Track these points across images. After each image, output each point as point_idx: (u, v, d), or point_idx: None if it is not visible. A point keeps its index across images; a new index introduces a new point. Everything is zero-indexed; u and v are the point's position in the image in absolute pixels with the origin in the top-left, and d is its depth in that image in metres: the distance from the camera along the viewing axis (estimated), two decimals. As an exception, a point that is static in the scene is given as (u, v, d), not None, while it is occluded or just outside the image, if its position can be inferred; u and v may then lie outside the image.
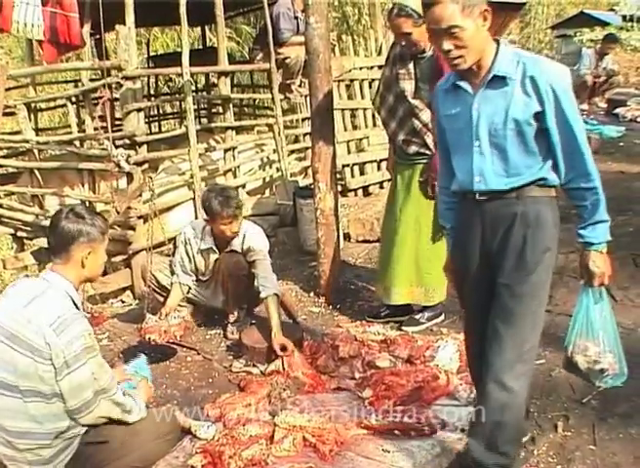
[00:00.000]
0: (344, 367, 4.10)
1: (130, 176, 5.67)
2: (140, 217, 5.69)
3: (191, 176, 6.19)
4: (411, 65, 4.25)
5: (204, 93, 10.78)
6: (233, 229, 4.51)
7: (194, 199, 6.20)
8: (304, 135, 7.77)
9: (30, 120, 6.78)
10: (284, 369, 4.03)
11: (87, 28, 6.21)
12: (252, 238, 4.62)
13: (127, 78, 5.66)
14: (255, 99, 10.22)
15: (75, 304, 2.86)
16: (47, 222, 6.29)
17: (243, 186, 6.88)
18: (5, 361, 2.72)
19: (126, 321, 5.16)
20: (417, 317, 4.61)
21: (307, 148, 7.41)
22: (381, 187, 7.88)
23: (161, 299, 4.85)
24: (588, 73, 11.69)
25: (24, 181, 6.65)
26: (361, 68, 8.20)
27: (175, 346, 4.56)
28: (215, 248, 4.69)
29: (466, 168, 2.73)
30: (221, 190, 4.54)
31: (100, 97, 5.64)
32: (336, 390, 3.88)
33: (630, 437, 3.25)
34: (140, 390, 3.22)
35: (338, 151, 5.64)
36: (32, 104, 6.92)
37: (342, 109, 7.90)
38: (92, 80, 6.58)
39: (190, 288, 4.87)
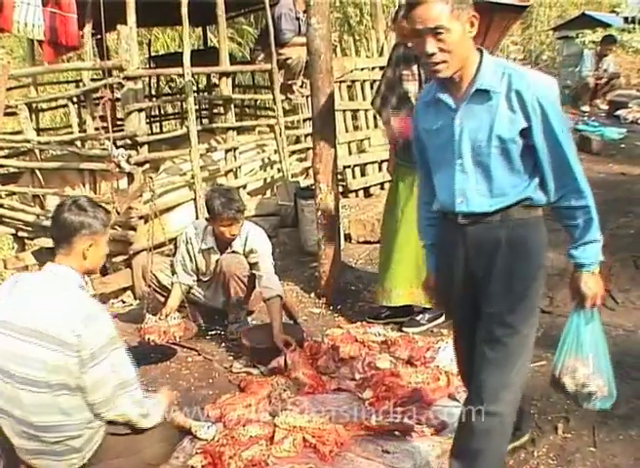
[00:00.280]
0: (345, 367, 4.10)
1: (131, 177, 5.67)
2: (140, 218, 5.69)
3: (192, 177, 6.19)
4: (415, 67, 4.25)
5: (205, 93, 10.79)
6: (232, 232, 4.50)
7: (195, 199, 6.20)
8: (306, 135, 7.76)
9: (32, 120, 6.79)
10: (286, 365, 4.04)
11: (88, 28, 6.21)
12: (254, 240, 4.62)
13: (128, 78, 5.66)
14: (256, 100, 10.22)
15: None
16: (48, 222, 6.30)
17: (244, 187, 6.88)
18: (30, 358, 2.72)
19: (126, 321, 5.16)
20: (417, 318, 4.62)
21: (309, 149, 7.41)
22: (382, 188, 7.87)
23: (162, 299, 4.85)
24: (590, 75, 11.68)
25: (25, 181, 6.65)
26: (362, 69, 8.20)
27: (175, 346, 4.56)
28: (216, 248, 4.69)
29: (448, 187, 2.58)
30: (225, 192, 4.54)
31: (102, 98, 5.64)
32: (336, 391, 3.88)
33: (630, 439, 3.25)
34: (163, 396, 3.19)
35: (339, 152, 5.65)
36: (34, 104, 6.93)
37: (344, 110, 7.90)
38: (93, 80, 6.57)
39: (191, 287, 4.87)
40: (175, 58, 7.00)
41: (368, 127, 8.29)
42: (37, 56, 7.11)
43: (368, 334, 4.45)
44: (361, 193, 7.97)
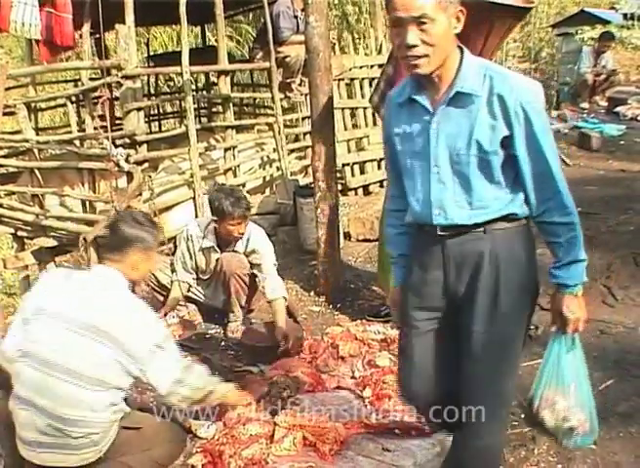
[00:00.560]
0: (345, 366, 4.10)
1: (130, 176, 5.67)
2: (140, 217, 5.69)
3: (191, 176, 6.19)
4: None
5: (204, 92, 10.78)
6: (241, 230, 4.52)
7: (194, 198, 6.20)
8: (305, 134, 7.76)
9: (30, 120, 6.78)
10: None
11: (87, 27, 6.21)
12: (256, 240, 4.63)
13: (127, 77, 5.66)
14: (255, 98, 10.21)
15: None
16: (47, 222, 6.31)
17: (243, 185, 6.88)
18: (82, 351, 2.81)
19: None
20: (417, 316, 4.61)
21: (307, 147, 7.41)
22: (382, 186, 7.87)
23: (161, 298, 4.86)
24: (589, 71, 11.68)
25: (25, 181, 6.64)
26: (361, 67, 8.19)
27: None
28: (216, 247, 4.69)
29: (423, 198, 2.36)
30: (231, 191, 4.56)
31: (100, 97, 5.64)
32: (336, 389, 3.88)
33: (630, 436, 3.25)
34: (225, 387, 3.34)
35: (338, 150, 5.64)
36: (32, 104, 6.92)
37: (343, 108, 7.89)
38: (92, 79, 6.57)
39: (190, 285, 4.88)
40: (173, 57, 7.01)
41: (367, 125, 8.28)
42: (35, 55, 7.11)
43: (367, 332, 4.44)
44: (360, 191, 7.96)
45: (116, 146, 5.60)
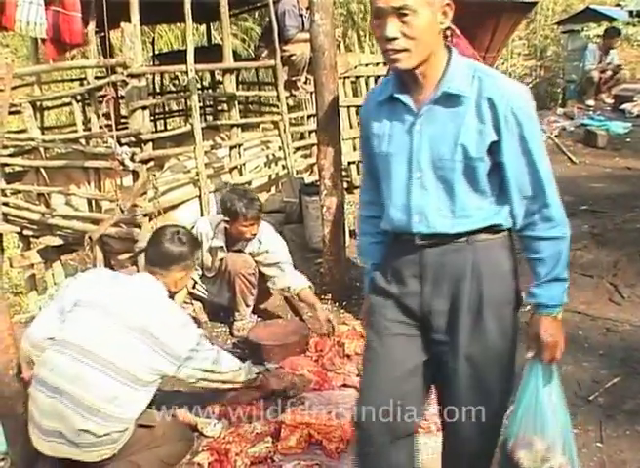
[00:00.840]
0: (351, 364, 4.10)
1: (135, 174, 5.67)
2: (145, 215, 5.69)
3: (197, 174, 6.18)
4: None
5: (209, 90, 10.77)
6: (253, 231, 4.55)
7: (200, 197, 6.19)
8: (310, 132, 7.75)
9: (36, 118, 6.78)
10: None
11: (92, 26, 6.20)
12: (269, 240, 4.67)
13: (132, 76, 5.65)
14: (260, 97, 10.20)
15: None
16: (53, 221, 6.32)
17: (249, 183, 6.87)
18: (120, 346, 2.90)
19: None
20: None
21: (313, 145, 7.39)
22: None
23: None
24: (594, 69, 11.65)
25: (30, 180, 6.65)
26: (367, 65, 8.19)
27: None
28: (225, 246, 4.71)
29: (402, 204, 2.19)
30: (244, 192, 4.63)
31: (106, 96, 5.64)
32: (342, 387, 3.88)
33: (637, 434, 3.25)
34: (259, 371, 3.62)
35: (343, 148, 5.64)
36: (38, 103, 6.92)
37: (348, 106, 7.88)
38: (97, 78, 6.56)
39: (196, 282, 4.89)
40: (179, 56, 7.00)
41: (372, 123, 8.26)
42: (41, 54, 7.11)
43: (373, 331, 4.44)
44: (366, 189, 7.94)
45: (121, 145, 5.60)
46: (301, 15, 7.88)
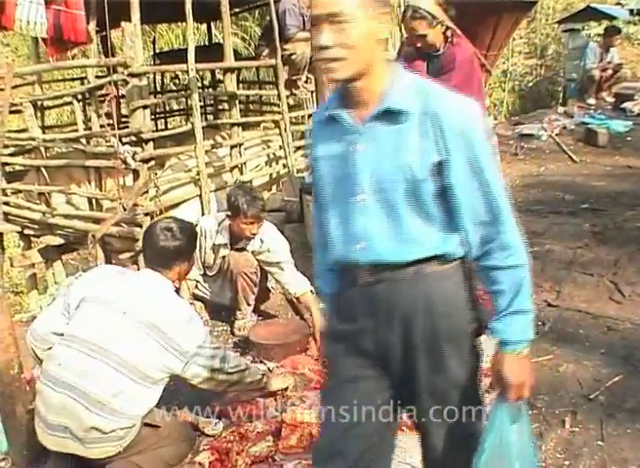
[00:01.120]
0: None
1: (136, 174, 5.68)
2: (146, 214, 5.70)
3: (198, 173, 6.18)
4: (424, 63, 4.23)
5: (210, 89, 10.77)
6: (253, 230, 4.54)
7: (201, 196, 6.20)
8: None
9: (37, 118, 6.79)
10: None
11: (92, 25, 6.20)
12: (271, 240, 4.66)
13: (133, 75, 5.65)
14: (261, 96, 10.21)
15: None
16: (54, 220, 6.32)
17: (250, 183, 6.88)
18: (130, 341, 2.91)
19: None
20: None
21: (314, 145, 7.39)
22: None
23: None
24: (595, 67, 11.64)
25: (31, 179, 6.65)
26: (367, 64, 8.18)
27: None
28: (228, 244, 4.71)
29: (345, 230, 2.01)
30: (250, 190, 4.64)
31: (106, 95, 5.65)
32: (343, 386, 3.87)
33: (638, 432, 3.24)
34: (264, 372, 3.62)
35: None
36: (38, 102, 6.93)
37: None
38: (98, 77, 6.57)
39: (198, 282, 4.89)
40: (179, 55, 7.00)
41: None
42: (42, 53, 7.11)
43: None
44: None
45: (122, 144, 5.61)
46: (302, 14, 7.88)
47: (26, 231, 6.89)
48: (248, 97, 9.95)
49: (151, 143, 5.86)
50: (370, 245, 1.97)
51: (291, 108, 7.81)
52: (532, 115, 11.71)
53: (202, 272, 4.87)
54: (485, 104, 4.35)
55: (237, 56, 7.98)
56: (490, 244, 1.95)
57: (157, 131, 7.94)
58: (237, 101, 6.97)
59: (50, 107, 9.25)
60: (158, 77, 10.63)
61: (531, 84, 14.31)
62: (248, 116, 8.55)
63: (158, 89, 10.58)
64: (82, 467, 2.99)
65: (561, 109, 11.43)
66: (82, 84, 8.31)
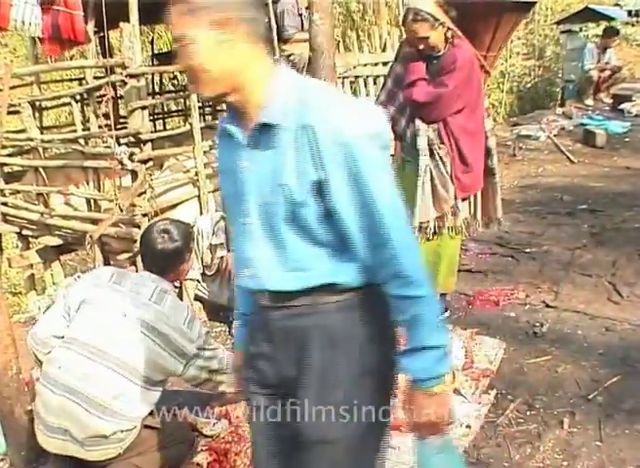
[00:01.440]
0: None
1: (134, 174, 5.67)
2: (144, 215, 5.69)
3: (196, 174, 6.18)
4: (424, 64, 4.22)
5: (208, 90, 10.77)
6: None
7: (199, 196, 6.19)
8: (309, 131, 7.75)
9: (35, 118, 6.78)
10: None
11: (91, 26, 6.20)
12: None
13: (131, 76, 5.65)
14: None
15: None
16: (52, 221, 6.31)
17: (248, 183, 6.88)
18: (131, 343, 2.90)
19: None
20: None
21: (312, 145, 7.40)
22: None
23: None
24: (593, 68, 11.65)
25: (29, 180, 6.65)
26: (365, 65, 8.19)
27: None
28: (225, 244, 4.72)
29: (238, 253, 1.91)
30: None
31: (105, 96, 5.65)
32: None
33: (636, 433, 3.25)
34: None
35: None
36: (37, 103, 6.92)
37: (347, 106, 7.88)
38: (96, 78, 6.56)
39: (199, 281, 4.90)
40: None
41: (371, 122, 8.27)
42: (40, 54, 7.11)
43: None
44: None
45: (120, 145, 5.60)
46: (300, 14, 7.88)
47: (25, 232, 6.88)
48: (246, 97, 9.93)
49: (149, 144, 5.86)
50: (255, 272, 1.83)
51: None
52: (530, 116, 11.73)
53: (201, 271, 4.88)
54: (484, 105, 4.34)
55: (235, 56, 7.98)
56: (385, 270, 1.73)
57: (155, 131, 7.93)
58: (235, 102, 6.96)
59: (48, 108, 9.24)
60: (157, 78, 10.63)
61: (529, 85, 14.32)
62: (246, 117, 8.52)
63: (157, 89, 10.58)
64: (81, 468, 2.99)
65: (559, 110, 11.45)
66: (80, 85, 8.32)
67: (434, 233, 4.23)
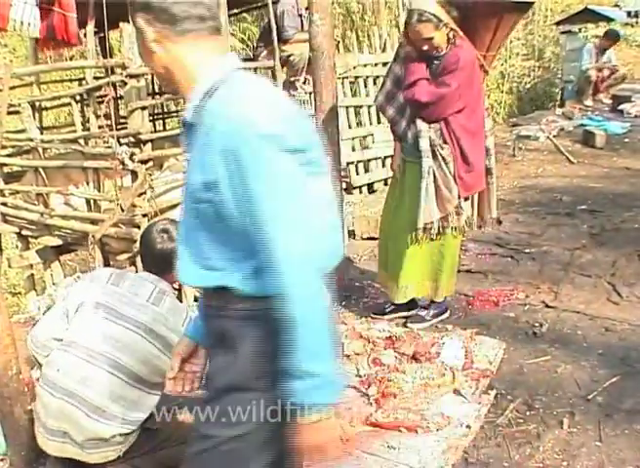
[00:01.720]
0: (350, 364, 4.10)
1: (134, 175, 5.68)
2: (144, 216, 5.69)
3: (196, 174, 6.19)
4: (424, 64, 4.22)
5: (208, 90, 10.77)
6: None
7: (199, 197, 6.20)
8: (309, 132, 7.75)
9: (35, 118, 6.78)
10: None
11: (91, 26, 6.21)
12: None
13: (131, 76, 5.65)
14: (259, 97, 10.20)
15: None
16: (52, 221, 6.31)
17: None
18: (130, 346, 2.90)
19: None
20: (422, 314, 4.61)
21: (312, 146, 7.39)
22: (386, 184, 7.86)
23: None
24: (591, 67, 11.65)
25: (29, 180, 6.64)
26: (365, 65, 8.19)
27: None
28: None
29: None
30: None
31: (105, 96, 5.65)
32: (341, 387, 3.87)
33: (636, 433, 3.25)
34: None
35: (342, 148, 5.64)
36: (36, 103, 6.92)
37: (347, 106, 7.89)
38: (96, 78, 6.56)
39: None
40: (177, 56, 6.99)
41: (371, 123, 8.29)
42: (40, 54, 7.11)
43: (372, 330, 4.45)
44: (365, 189, 7.97)
45: (120, 145, 5.60)
46: (300, 15, 7.89)
47: (24, 232, 6.88)
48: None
49: (149, 144, 5.86)
50: (180, 266, 1.84)
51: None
52: (530, 117, 11.73)
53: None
54: (484, 105, 4.35)
55: (235, 57, 7.98)
56: (268, 279, 1.64)
57: (155, 132, 7.92)
58: (235, 102, 6.96)
59: (48, 108, 9.24)
60: (156, 78, 10.64)
61: (528, 85, 14.31)
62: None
63: (156, 90, 10.58)
64: (81, 470, 2.99)
65: (559, 111, 11.46)
66: (80, 85, 8.32)
67: (438, 233, 4.23)
